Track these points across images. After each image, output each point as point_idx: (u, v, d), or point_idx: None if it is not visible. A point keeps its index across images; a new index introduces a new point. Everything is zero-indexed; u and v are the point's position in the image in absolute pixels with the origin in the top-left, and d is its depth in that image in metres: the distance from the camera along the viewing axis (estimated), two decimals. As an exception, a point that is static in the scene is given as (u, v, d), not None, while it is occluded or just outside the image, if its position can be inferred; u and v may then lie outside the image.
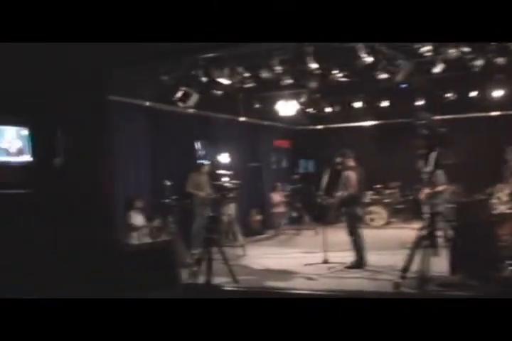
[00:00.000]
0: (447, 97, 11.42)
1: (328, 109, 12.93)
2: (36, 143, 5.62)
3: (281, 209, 12.94)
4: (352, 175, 7.91)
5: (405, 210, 13.44)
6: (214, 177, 9.23)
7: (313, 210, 11.76)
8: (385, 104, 12.23)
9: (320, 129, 15.52)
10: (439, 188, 7.84)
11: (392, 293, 5.90)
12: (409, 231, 9.01)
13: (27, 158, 5.56)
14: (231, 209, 10.20)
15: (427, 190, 6.89)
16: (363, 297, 5.22)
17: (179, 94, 8.74)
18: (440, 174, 7.83)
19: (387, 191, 13.70)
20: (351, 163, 8.15)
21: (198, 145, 11.30)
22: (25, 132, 5.57)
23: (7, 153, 5.33)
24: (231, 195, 8.04)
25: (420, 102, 11.71)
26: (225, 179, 8.36)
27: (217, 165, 10.37)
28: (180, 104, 8.96)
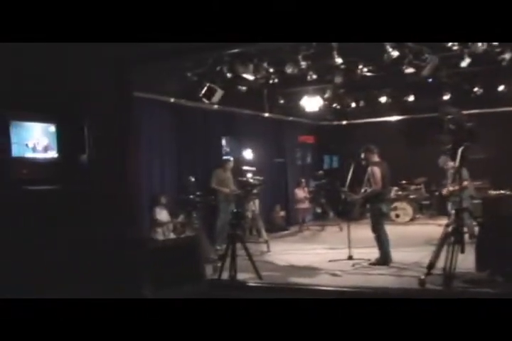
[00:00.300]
0: (475, 91, 11.25)
1: (353, 104, 12.84)
2: (62, 139, 5.48)
3: (305, 205, 12.89)
4: (376, 171, 7.83)
5: (431, 206, 13.37)
6: (238, 173, 9.25)
7: (338, 206, 11.70)
8: (411, 98, 12.09)
9: (345, 125, 15.45)
10: (464, 184, 7.74)
11: (418, 289, 5.83)
12: (435, 228, 9.01)
13: (53, 154, 5.59)
14: (255, 205, 10.23)
15: (451, 186, 6.82)
16: (387, 293, 5.14)
17: (204, 90, 8.74)
18: (463, 169, 7.75)
19: (413, 187, 13.59)
20: (376, 158, 8.07)
21: (222, 141, 11.34)
22: (52, 129, 5.58)
23: (34, 150, 5.38)
24: (255, 191, 8.03)
25: (447, 97, 11.57)
26: (249, 175, 8.37)
27: (241, 161, 10.44)
28: (205, 100, 8.97)
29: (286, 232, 12.40)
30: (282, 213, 12.88)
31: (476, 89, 11.19)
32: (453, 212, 6.08)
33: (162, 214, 8.76)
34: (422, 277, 5.97)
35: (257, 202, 10.26)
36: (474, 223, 7.02)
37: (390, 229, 8.07)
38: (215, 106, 10.35)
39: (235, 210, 7.45)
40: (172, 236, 8.44)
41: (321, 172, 13.58)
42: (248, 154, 11.35)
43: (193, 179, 8.77)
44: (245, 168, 8.90)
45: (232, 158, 10.12)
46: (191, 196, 8.50)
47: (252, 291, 5.63)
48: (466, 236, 6.91)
